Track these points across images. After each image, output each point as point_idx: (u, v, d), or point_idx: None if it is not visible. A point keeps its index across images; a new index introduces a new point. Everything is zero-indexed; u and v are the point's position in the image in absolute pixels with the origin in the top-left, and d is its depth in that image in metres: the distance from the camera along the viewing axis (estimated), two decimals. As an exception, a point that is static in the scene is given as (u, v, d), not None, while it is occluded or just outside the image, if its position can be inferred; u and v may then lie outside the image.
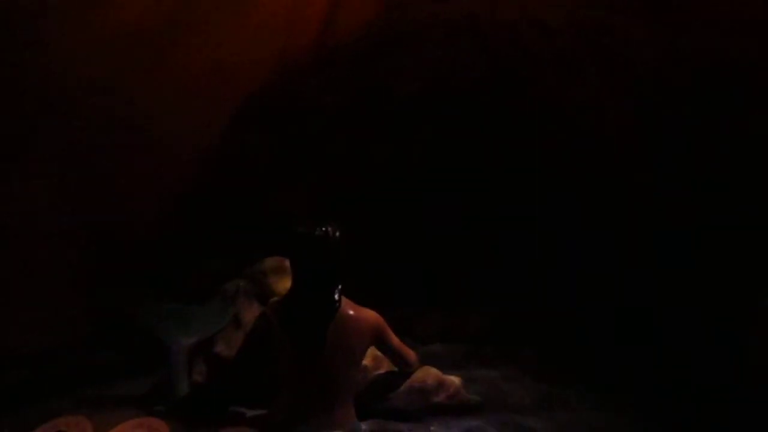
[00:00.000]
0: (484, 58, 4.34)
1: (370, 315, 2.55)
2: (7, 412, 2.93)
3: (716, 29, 3.27)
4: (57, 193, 3.40)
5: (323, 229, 2.42)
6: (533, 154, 4.54)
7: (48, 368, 3.38)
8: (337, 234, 2.43)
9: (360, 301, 2.56)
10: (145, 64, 3.35)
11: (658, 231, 4.13)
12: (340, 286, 2.48)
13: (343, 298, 2.48)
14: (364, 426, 2.61)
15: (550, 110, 4.28)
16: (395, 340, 2.71)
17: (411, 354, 2.85)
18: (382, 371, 2.96)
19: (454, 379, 3.08)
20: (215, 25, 3.44)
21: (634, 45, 3.66)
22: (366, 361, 2.79)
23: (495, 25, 4.08)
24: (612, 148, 4.16)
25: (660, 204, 4.06)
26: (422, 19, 4.15)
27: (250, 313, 3.12)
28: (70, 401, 3.08)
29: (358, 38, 4.14)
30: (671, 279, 3.94)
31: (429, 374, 3.01)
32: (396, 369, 2.92)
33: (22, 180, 3.26)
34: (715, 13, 3.22)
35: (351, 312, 2.48)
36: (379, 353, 2.90)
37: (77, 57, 3.09)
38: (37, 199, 3.32)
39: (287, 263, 2.95)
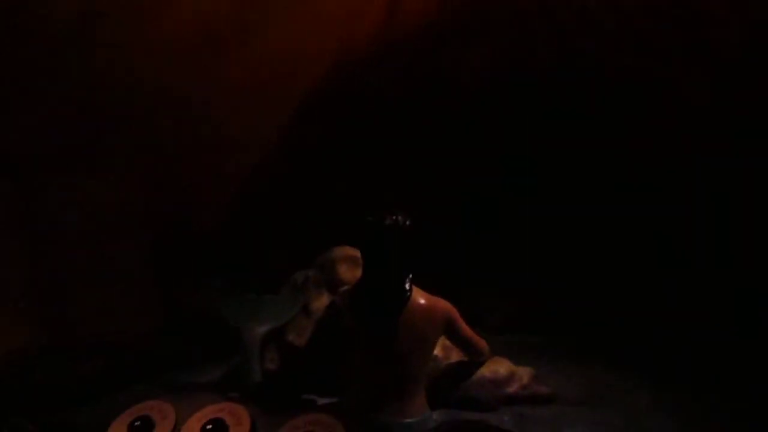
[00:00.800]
0: (553, 44, 4.20)
1: (441, 304, 2.53)
2: (86, 400, 3.05)
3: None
4: (131, 187, 3.52)
5: (393, 217, 2.40)
6: (609, 140, 4.35)
7: (125, 357, 3.49)
8: (408, 222, 2.42)
9: (430, 290, 2.54)
10: (208, 61, 3.44)
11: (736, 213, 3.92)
12: (410, 275, 2.47)
13: (414, 287, 2.47)
14: (435, 415, 2.60)
15: (628, 92, 4.11)
16: (466, 329, 2.67)
17: (482, 344, 2.81)
18: (452, 361, 2.94)
19: (527, 370, 3.03)
20: (277, 20, 3.49)
21: (713, 21, 3.49)
22: (436, 351, 2.77)
23: (565, 8, 3.95)
24: (691, 128, 3.98)
25: (743, 187, 3.85)
26: (488, 5, 4.07)
27: (319, 302, 3.15)
28: (148, 388, 3.17)
29: (422, 28, 4.10)
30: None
31: (501, 364, 2.98)
32: (466, 359, 2.89)
33: (98, 174, 3.39)
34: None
35: (422, 301, 2.46)
36: (448, 343, 2.87)
37: (143, 56, 3.20)
38: (112, 193, 3.45)
39: (356, 252, 2.96)
